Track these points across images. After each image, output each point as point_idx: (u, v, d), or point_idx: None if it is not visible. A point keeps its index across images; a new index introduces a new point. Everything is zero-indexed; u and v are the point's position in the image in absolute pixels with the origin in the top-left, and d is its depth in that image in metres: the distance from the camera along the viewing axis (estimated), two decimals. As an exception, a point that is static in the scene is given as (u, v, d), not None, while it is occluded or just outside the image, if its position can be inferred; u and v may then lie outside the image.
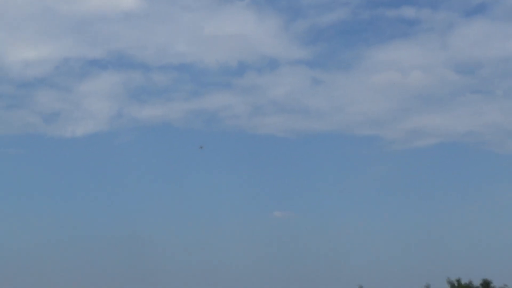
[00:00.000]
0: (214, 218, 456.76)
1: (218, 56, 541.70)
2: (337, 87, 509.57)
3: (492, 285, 79.71)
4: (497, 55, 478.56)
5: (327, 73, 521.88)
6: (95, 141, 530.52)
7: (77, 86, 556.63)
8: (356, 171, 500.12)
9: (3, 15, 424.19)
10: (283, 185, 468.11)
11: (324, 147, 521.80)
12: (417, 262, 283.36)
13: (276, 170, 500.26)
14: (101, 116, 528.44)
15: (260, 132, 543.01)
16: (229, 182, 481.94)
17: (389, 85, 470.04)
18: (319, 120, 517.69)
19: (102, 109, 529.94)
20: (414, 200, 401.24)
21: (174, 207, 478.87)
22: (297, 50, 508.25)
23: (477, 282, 79.83)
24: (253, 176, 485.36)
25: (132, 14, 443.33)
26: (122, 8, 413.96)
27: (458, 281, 79.01)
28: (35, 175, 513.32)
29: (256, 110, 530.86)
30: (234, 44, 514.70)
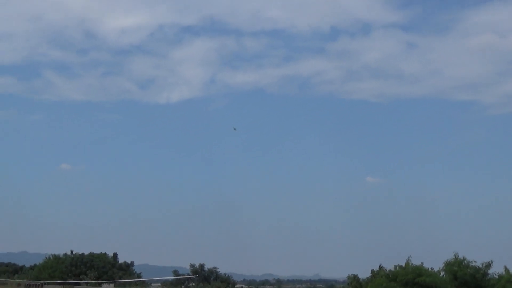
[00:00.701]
0: (307, 183, 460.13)
1: (311, 21, 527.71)
2: (432, 51, 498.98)
3: None
4: None
5: (421, 37, 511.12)
6: (189, 107, 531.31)
7: (171, 52, 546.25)
8: (451, 136, 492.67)
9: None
10: (376, 151, 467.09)
11: (418, 112, 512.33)
12: None
13: (369, 136, 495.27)
14: (195, 82, 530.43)
15: (353, 97, 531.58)
16: (322, 148, 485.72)
17: (486, 48, 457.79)
18: (413, 85, 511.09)
19: (196, 75, 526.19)
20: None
21: (267, 172, 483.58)
22: (391, 13, 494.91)
23: None
24: (346, 141, 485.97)
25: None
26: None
27: None
28: (131, 140, 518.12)
29: (349, 75, 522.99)
30: (327, 9, 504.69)
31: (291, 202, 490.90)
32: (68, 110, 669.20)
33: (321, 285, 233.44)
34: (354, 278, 60.31)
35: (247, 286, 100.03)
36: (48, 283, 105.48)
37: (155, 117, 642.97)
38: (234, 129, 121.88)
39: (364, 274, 61.97)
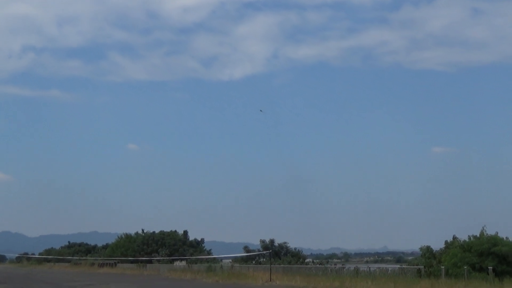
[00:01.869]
0: (373, 156, 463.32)
1: None
2: (500, 16, 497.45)
3: None
4: None
5: (487, 2, 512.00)
6: (252, 83, 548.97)
7: (233, 29, 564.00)
8: None
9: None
10: (443, 120, 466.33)
11: (486, 79, 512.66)
12: None
13: (436, 105, 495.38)
14: (258, 58, 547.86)
15: (419, 67, 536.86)
16: (388, 120, 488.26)
17: None
18: (481, 52, 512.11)
19: (259, 51, 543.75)
20: None
21: (334, 147, 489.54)
22: None
23: None
24: (412, 112, 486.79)
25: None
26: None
27: None
28: (197, 118, 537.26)
29: (414, 45, 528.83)
30: None
31: (358, 175, 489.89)
32: (133, 90, 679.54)
33: (389, 257, 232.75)
34: (428, 249, 59.73)
35: (317, 260, 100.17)
36: (122, 261, 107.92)
37: (219, 94, 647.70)
38: (261, 111, 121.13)
39: (435, 246, 61.45)
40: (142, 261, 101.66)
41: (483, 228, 53.36)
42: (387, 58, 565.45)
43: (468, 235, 54.08)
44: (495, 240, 51.48)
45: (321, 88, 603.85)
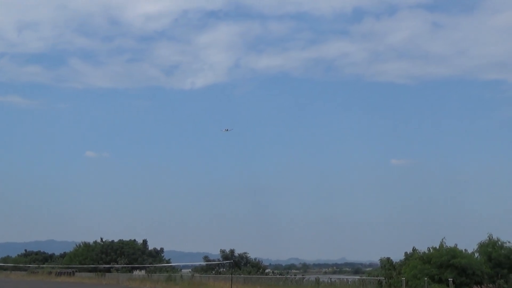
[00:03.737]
0: (332, 167, 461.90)
1: (334, 3, 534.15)
2: (459, 30, 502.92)
3: None
4: None
5: (447, 16, 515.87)
6: (214, 92, 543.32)
7: (195, 38, 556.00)
8: (479, 116, 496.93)
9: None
10: (402, 133, 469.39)
11: (445, 92, 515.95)
12: None
13: (395, 118, 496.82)
14: (220, 68, 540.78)
15: (379, 79, 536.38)
16: (348, 131, 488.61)
17: None
18: (440, 65, 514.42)
19: (220, 60, 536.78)
20: None
21: (294, 157, 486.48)
22: None
23: None
24: (372, 124, 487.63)
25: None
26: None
27: None
28: (157, 126, 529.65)
29: (375, 57, 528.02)
30: None
31: (317, 186, 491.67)
32: (94, 97, 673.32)
33: (347, 268, 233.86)
34: (388, 261, 60.20)
35: (276, 271, 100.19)
36: (80, 270, 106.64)
37: (180, 103, 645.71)
38: (226, 130, 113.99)
39: (395, 257, 61.95)
40: (100, 270, 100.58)
41: (442, 240, 54.00)
42: (348, 70, 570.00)
43: (428, 247, 54.68)
44: (454, 252, 52.12)
45: (283, 98, 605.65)
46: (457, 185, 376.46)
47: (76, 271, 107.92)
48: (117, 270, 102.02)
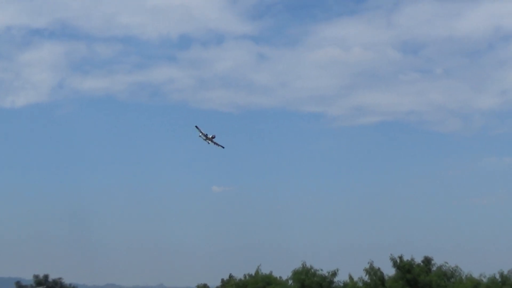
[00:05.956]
0: (154, 192, 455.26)
1: (161, 28, 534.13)
2: (283, 63, 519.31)
3: (433, 262, 78.73)
4: (441, 34, 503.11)
5: (273, 49, 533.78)
6: (35, 112, 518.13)
7: (18, 55, 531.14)
8: (299, 147, 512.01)
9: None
10: (224, 160, 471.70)
11: (268, 122, 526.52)
12: (360, 239, 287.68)
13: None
14: (42, 87, 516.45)
15: (204, 106, 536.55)
16: (171, 156, 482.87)
17: (332, 62, 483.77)
18: (264, 96, 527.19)
19: (44, 79, 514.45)
20: (357, 177, 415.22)
21: (115, 180, 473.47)
22: (244, 24, 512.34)
23: (418, 259, 78.35)
24: (195, 152, 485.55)
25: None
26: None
27: (401, 258, 76.85)
28: None
29: (201, 84, 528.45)
30: (178, 16, 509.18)
31: (138, 210, 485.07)
32: None
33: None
34: (204, 286, 60.55)
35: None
36: None
37: (0, 121, 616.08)
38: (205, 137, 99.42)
39: (213, 283, 62.46)
40: None
41: (258, 267, 55.19)
42: (174, 96, 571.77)
43: (244, 274, 55.61)
44: (269, 279, 53.44)
45: (107, 121, 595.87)
46: (275, 213, 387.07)
47: None
48: None
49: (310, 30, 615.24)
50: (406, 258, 76.90)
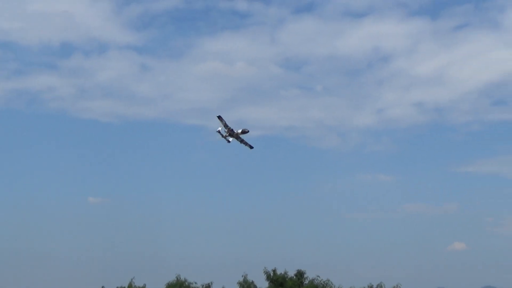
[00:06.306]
0: (28, 199, 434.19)
1: (42, 35, 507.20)
2: (166, 74, 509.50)
3: (305, 275, 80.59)
4: (322, 53, 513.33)
5: (156, 60, 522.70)
6: None
7: None
8: (179, 159, 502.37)
9: None
10: (102, 171, 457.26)
11: (149, 133, 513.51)
12: (234, 252, 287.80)
13: (97, 156, 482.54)
14: None
15: (84, 116, 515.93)
16: (48, 165, 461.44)
17: (214, 75, 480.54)
18: (146, 107, 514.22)
19: None
20: (235, 191, 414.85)
21: None
22: (128, 35, 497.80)
23: (291, 272, 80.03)
24: (74, 161, 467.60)
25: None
26: None
27: (274, 271, 78.25)
28: None
29: (82, 93, 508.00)
30: (60, 23, 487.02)
31: (9, 219, 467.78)
32: None
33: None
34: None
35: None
36: None
37: None
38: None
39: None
40: None
41: (132, 279, 54.69)
42: (53, 104, 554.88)
43: (117, 286, 55.00)
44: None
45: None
46: (152, 225, 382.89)
47: None
48: None
49: (195, 43, 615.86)
50: (280, 271, 78.37)
